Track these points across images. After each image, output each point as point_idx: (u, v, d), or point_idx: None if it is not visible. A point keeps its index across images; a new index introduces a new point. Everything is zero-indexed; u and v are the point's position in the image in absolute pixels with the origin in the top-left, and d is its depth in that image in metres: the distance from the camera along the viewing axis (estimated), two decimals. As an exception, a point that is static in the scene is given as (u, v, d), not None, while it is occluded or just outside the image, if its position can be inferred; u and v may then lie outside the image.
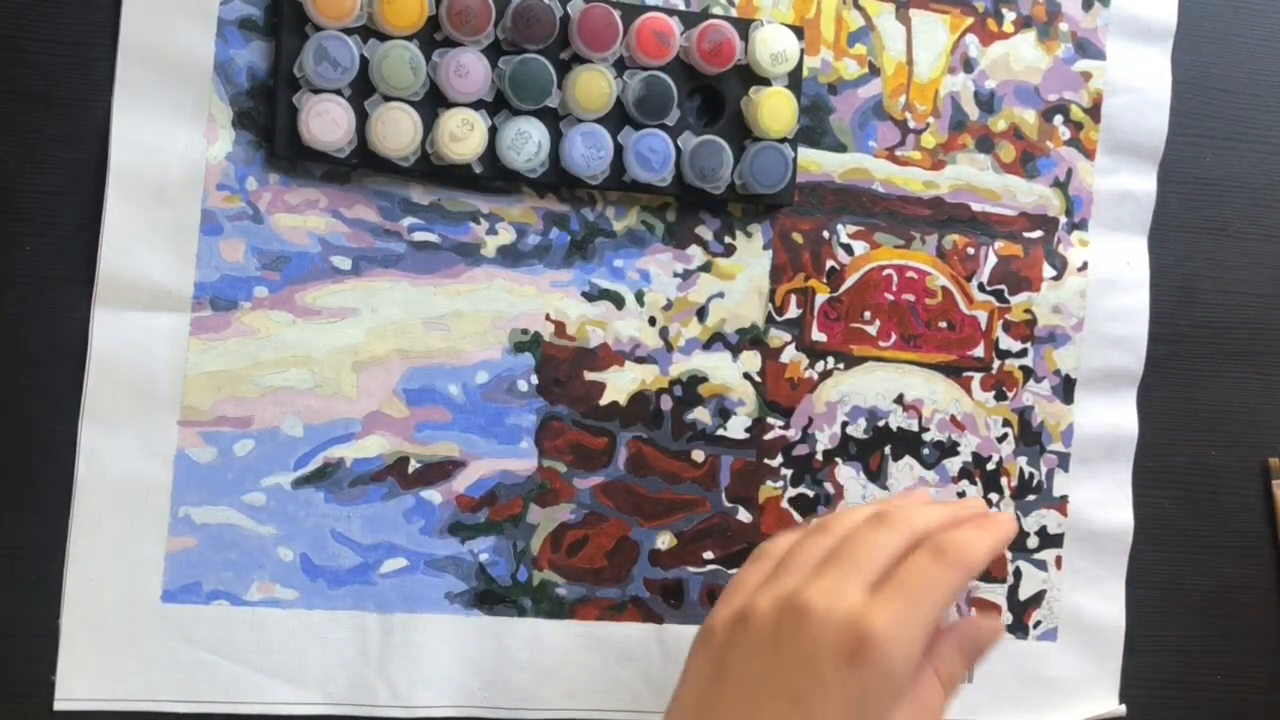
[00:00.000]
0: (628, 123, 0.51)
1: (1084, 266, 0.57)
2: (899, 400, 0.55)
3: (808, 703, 0.36)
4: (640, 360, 0.53)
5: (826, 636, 0.36)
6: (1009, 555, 0.56)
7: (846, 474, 0.55)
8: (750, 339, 0.54)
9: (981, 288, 0.56)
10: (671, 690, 0.53)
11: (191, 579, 0.49)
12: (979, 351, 0.56)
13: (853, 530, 0.40)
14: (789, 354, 0.54)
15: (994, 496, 0.56)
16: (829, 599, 0.37)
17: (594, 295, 0.52)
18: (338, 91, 0.48)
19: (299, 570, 0.50)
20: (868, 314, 0.55)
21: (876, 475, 0.55)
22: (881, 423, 0.55)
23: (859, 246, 0.55)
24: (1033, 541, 0.56)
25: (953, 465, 0.55)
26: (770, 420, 0.54)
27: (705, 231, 0.53)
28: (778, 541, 0.42)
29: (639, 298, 0.53)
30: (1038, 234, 0.56)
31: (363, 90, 0.49)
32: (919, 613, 0.37)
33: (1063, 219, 0.57)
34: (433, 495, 0.51)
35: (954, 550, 0.38)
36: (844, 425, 0.54)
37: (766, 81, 0.52)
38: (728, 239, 0.53)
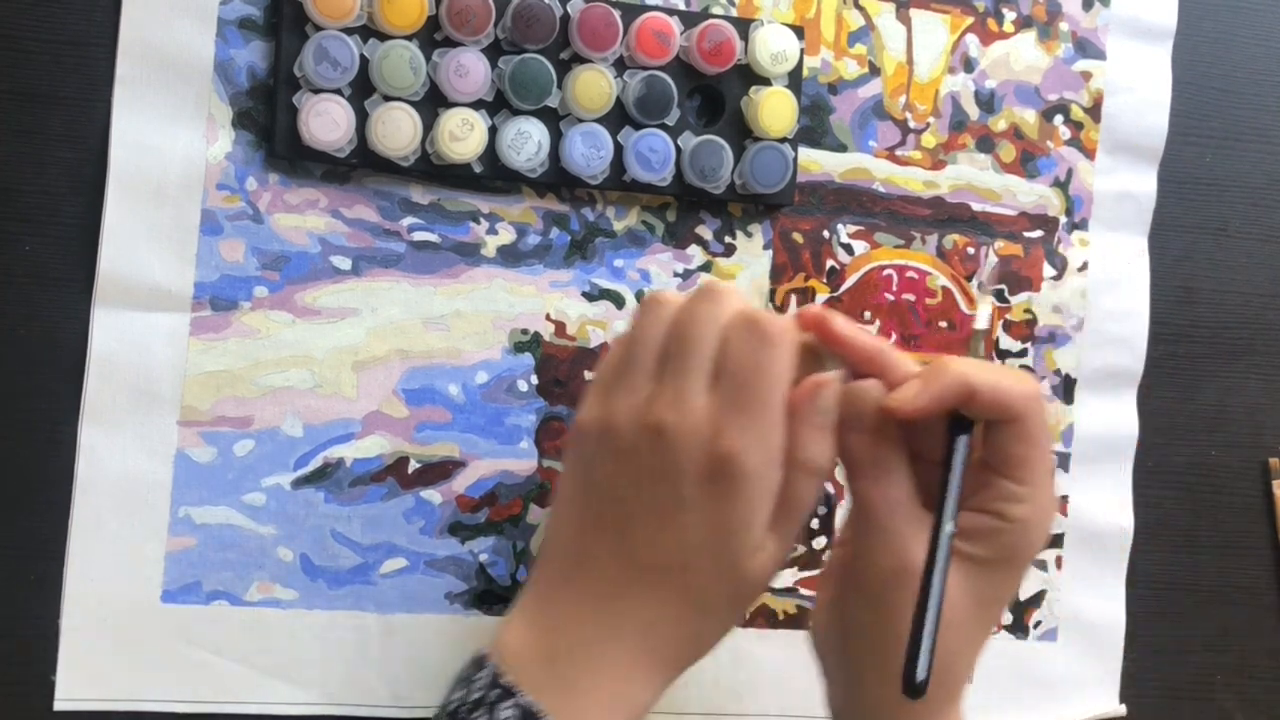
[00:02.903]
0: (628, 122, 0.51)
1: (1084, 266, 0.57)
2: None
3: (676, 519, 0.39)
4: (640, 360, 0.53)
5: (682, 457, 0.38)
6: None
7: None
8: (750, 339, 0.54)
9: (981, 288, 0.56)
10: (672, 690, 0.53)
11: (191, 579, 0.49)
12: (979, 351, 0.56)
13: (682, 310, 0.41)
14: (789, 354, 0.54)
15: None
16: (678, 414, 0.39)
17: (594, 295, 0.52)
18: (338, 91, 0.48)
19: (299, 570, 0.50)
20: (868, 314, 0.55)
21: (876, 475, 0.55)
22: (881, 423, 0.55)
23: (859, 246, 0.55)
24: (1033, 541, 0.56)
25: (953, 465, 0.55)
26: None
27: (705, 231, 0.53)
28: (631, 328, 0.43)
29: (639, 298, 0.53)
30: (1038, 234, 0.56)
31: (363, 90, 0.49)
32: (760, 408, 0.38)
33: (1063, 219, 0.57)
34: (433, 495, 0.51)
35: (763, 321, 0.39)
36: (844, 425, 0.54)
37: (767, 81, 0.52)
38: (728, 239, 0.53)
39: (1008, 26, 0.56)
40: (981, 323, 0.43)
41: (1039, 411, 0.40)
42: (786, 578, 0.54)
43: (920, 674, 0.37)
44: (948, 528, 0.39)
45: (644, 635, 0.39)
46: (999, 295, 0.56)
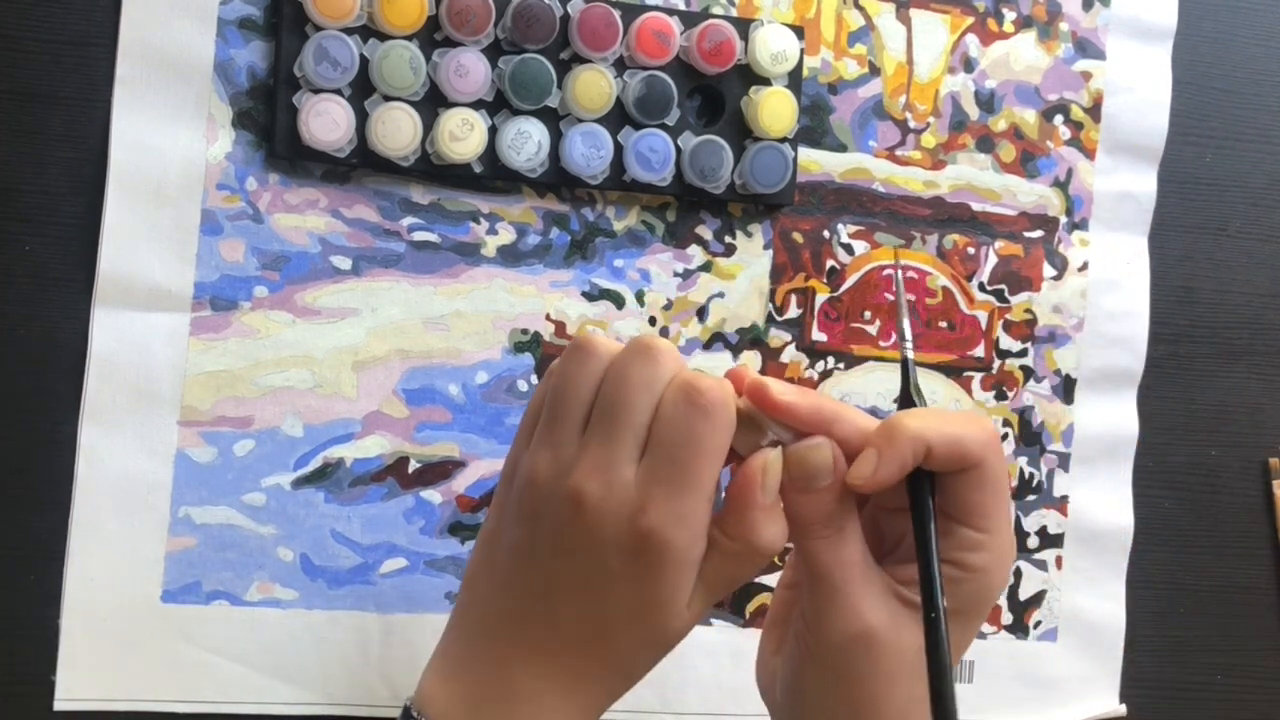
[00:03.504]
0: (628, 122, 0.51)
1: (1084, 266, 0.57)
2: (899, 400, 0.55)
3: (600, 591, 0.38)
4: (640, 360, 0.53)
5: (606, 531, 0.37)
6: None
7: (846, 474, 0.55)
8: (750, 339, 0.54)
9: (982, 288, 0.56)
10: (672, 690, 0.53)
11: (191, 579, 0.49)
12: (979, 351, 0.56)
13: (616, 367, 0.39)
14: (789, 354, 0.54)
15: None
16: (601, 486, 0.37)
17: (594, 295, 0.52)
18: (338, 91, 0.48)
19: (299, 570, 0.50)
20: (868, 314, 0.55)
21: (876, 475, 0.55)
22: (881, 423, 0.55)
23: (859, 246, 0.55)
24: (1033, 541, 0.56)
25: (953, 465, 0.55)
26: (770, 420, 0.54)
27: (705, 231, 0.53)
28: (560, 370, 0.40)
29: (639, 297, 0.53)
30: (1038, 234, 0.56)
31: (363, 90, 0.49)
32: (689, 485, 0.37)
33: (1063, 219, 0.57)
34: (433, 495, 0.51)
35: (702, 390, 0.37)
36: (844, 425, 0.54)
37: (767, 81, 0.52)
38: (728, 239, 0.53)
39: (1008, 26, 0.56)
40: (909, 353, 0.42)
41: (997, 456, 0.38)
42: (786, 578, 0.54)
43: None
44: (942, 610, 0.37)
45: (572, 687, 0.39)
46: (998, 296, 0.56)
